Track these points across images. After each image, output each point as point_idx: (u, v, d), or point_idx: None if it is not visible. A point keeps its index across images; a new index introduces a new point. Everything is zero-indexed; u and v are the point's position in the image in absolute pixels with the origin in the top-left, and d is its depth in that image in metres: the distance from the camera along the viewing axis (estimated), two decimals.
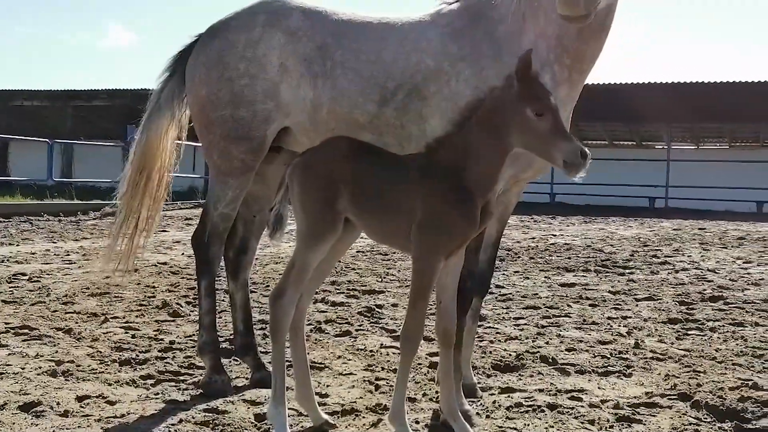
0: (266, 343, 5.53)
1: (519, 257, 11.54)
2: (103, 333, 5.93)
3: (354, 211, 3.63)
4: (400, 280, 8.99)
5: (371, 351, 5.55)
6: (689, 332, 6.42)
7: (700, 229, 17.86)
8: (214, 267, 4.65)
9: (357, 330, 6.25)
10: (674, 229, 17.59)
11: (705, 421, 4.11)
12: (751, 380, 4.84)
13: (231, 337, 5.28)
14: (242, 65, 4.38)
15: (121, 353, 5.32)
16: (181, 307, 7.03)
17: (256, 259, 10.16)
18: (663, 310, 7.41)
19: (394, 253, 11.29)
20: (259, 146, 4.44)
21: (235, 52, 4.40)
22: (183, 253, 10.90)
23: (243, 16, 4.53)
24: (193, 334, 5.88)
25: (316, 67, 4.25)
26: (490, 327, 6.47)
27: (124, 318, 6.54)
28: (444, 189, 3.52)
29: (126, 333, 5.98)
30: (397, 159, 3.83)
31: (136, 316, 6.63)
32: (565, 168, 3.32)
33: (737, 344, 5.95)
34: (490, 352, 5.54)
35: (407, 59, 4.13)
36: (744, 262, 11.43)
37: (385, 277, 9.17)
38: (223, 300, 6.94)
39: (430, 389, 4.59)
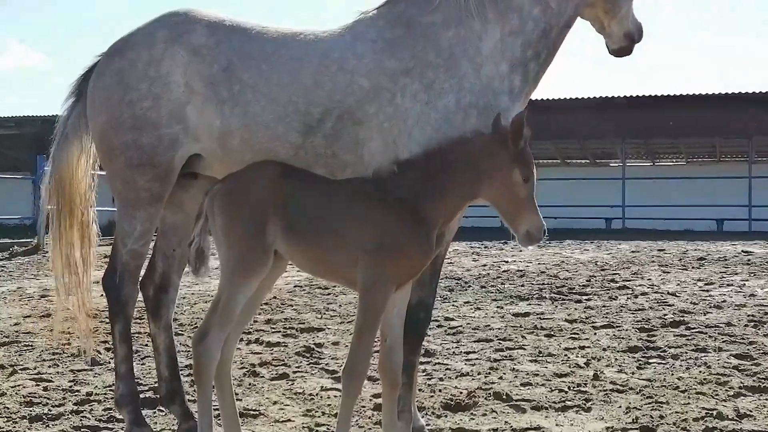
0: (194, 390, 5.44)
1: (469, 286, 11.60)
2: (11, 387, 5.76)
3: (287, 241, 3.60)
4: (341, 315, 8.94)
5: (311, 395, 5.50)
6: (650, 361, 6.52)
7: (659, 250, 18.21)
8: (128, 309, 4.56)
9: (295, 372, 6.19)
10: (632, 251, 17.91)
11: None
12: (716, 409, 4.92)
13: (156, 384, 5.17)
14: (144, 85, 4.27)
15: (31, 408, 5.17)
16: (100, 354, 6.86)
17: (183, 297, 10.02)
18: (622, 338, 7.52)
19: (335, 286, 11.24)
20: (165, 174, 4.34)
21: (136, 72, 4.29)
22: (102, 295, 10.67)
23: (144, 31, 4.42)
24: (114, 384, 5.74)
25: (223, 91, 4.13)
26: (439, 363, 6.46)
27: (35, 369, 6.36)
28: (400, 216, 3.54)
29: (37, 385, 5.81)
30: (338, 184, 3.81)
31: (49, 367, 6.46)
32: (525, 238, 3.60)
33: (700, 371, 6.06)
34: (440, 391, 5.53)
35: (333, 80, 4.04)
36: (705, 284, 11.68)
37: (325, 313, 9.12)
38: (146, 345, 6.81)
39: None
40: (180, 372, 4.97)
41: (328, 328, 8.15)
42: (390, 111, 4.00)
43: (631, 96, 29.58)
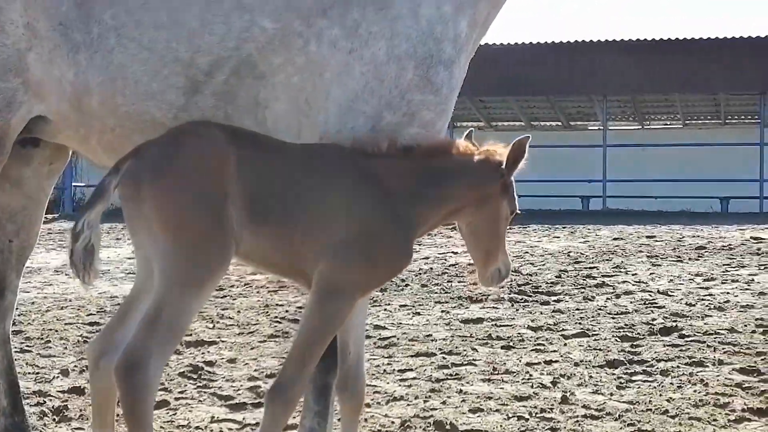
0: (44, 425, 5.38)
1: (406, 285, 11.64)
2: None
3: (249, 229, 3.54)
4: (240, 324, 8.90)
5: (198, 428, 5.48)
6: (634, 378, 6.63)
7: (648, 237, 18.54)
8: None
9: (177, 399, 6.14)
10: (614, 239, 18.20)
11: None
12: None
13: None
14: None
15: None
16: None
17: (32, 303, 9.87)
18: (600, 349, 7.62)
19: (232, 286, 11.19)
20: None
21: None
22: None
23: None
24: None
25: (77, 34, 4.07)
26: (366, 384, 6.47)
27: None
28: (388, 210, 3.63)
29: None
30: (309, 150, 3.82)
31: None
32: (493, 277, 3.99)
33: (696, 391, 6.18)
34: (366, 420, 5.55)
35: (227, 21, 4.01)
36: (704, 280, 11.94)
37: (218, 322, 9.06)
38: None
39: None
40: (25, 402, 4.90)
41: (222, 341, 8.10)
42: (301, 62, 3.99)
43: (614, 40, 29.91)
